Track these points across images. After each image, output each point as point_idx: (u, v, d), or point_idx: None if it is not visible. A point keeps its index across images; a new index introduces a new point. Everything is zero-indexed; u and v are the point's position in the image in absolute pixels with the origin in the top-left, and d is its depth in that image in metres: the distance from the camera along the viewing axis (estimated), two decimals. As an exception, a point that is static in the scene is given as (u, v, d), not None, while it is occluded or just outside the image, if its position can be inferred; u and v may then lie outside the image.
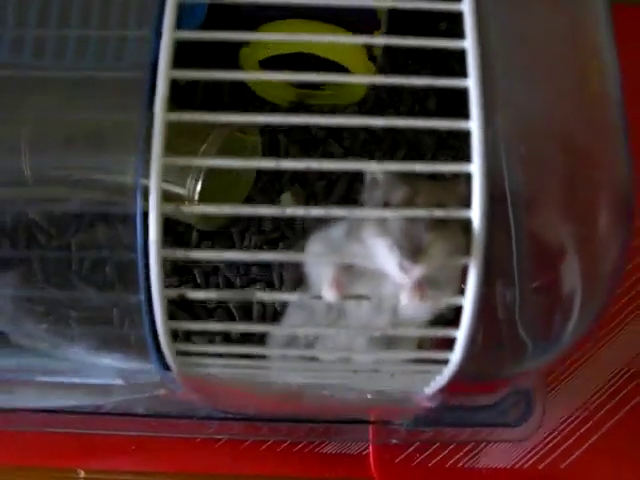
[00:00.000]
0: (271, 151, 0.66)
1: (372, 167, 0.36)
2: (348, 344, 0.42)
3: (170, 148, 0.38)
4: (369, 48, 0.63)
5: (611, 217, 0.41)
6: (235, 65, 0.64)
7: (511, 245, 0.39)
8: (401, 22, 0.58)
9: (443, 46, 0.36)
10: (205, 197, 0.59)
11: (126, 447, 0.65)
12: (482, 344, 0.38)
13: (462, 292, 0.36)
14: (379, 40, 0.59)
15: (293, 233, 0.64)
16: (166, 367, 0.40)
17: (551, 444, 0.66)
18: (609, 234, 0.40)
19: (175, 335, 0.37)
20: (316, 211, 0.35)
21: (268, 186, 0.66)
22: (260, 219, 0.65)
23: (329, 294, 0.38)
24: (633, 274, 0.70)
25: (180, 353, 0.38)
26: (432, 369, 0.40)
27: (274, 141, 0.66)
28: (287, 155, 0.67)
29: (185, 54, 0.37)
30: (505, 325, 0.41)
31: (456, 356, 0.38)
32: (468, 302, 0.35)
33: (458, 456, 0.65)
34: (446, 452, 0.65)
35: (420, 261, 0.36)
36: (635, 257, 0.70)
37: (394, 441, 0.57)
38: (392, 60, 0.66)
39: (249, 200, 0.66)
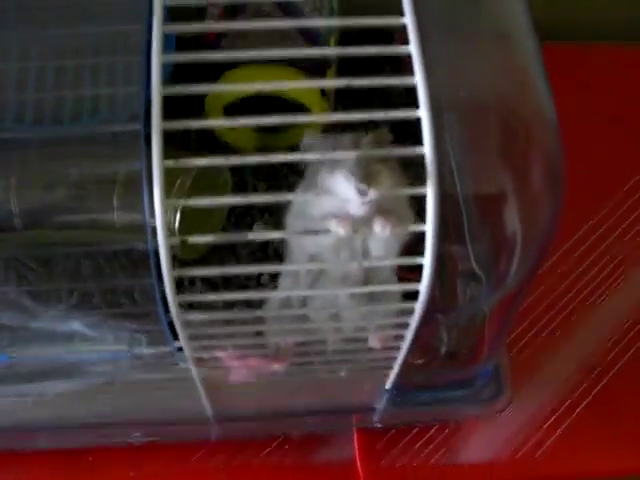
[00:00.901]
0: (240, 189, 0.73)
1: (326, 118, 0.43)
2: (332, 298, 0.47)
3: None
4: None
5: (542, 172, 0.48)
6: (201, 111, 0.71)
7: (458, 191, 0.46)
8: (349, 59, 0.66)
9: (395, 84, 0.42)
10: (182, 230, 0.65)
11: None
12: (443, 276, 0.43)
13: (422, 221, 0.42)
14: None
15: (267, 259, 0.70)
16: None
17: (524, 435, 0.70)
18: (541, 185, 0.47)
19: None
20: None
21: (240, 219, 0.72)
22: (235, 249, 0.70)
23: (340, 229, 0.42)
24: (585, 274, 0.76)
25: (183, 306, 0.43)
26: (405, 308, 0.45)
27: (243, 180, 0.73)
28: (255, 189, 0.74)
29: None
30: (460, 261, 0.47)
31: (424, 284, 0.43)
32: (429, 226, 0.41)
33: (439, 454, 0.69)
34: (428, 450, 0.69)
35: (374, 185, 0.42)
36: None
37: (377, 424, 0.61)
38: (344, 95, 0.74)
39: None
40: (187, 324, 0.45)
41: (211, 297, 0.44)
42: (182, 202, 0.42)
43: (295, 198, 0.45)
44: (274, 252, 0.70)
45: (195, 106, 0.70)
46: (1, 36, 0.53)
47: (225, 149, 0.75)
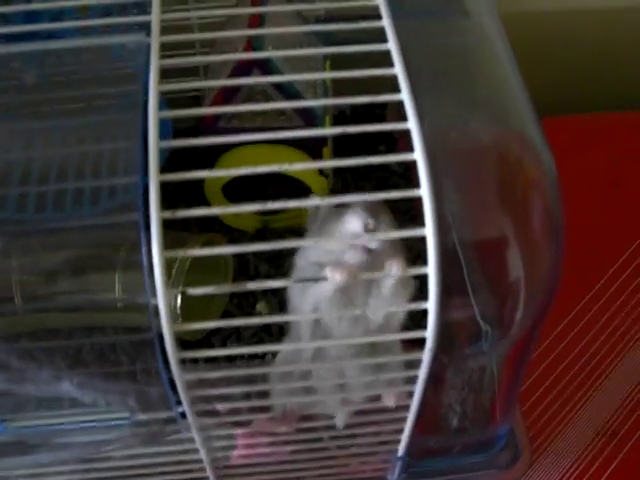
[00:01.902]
0: (242, 268, 0.73)
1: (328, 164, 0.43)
2: (338, 358, 0.46)
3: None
4: (320, 166, 0.72)
5: (542, 217, 0.47)
6: (200, 189, 0.72)
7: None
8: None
9: (388, 129, 0.43)
10: (185, 309, 0.64)
11: None
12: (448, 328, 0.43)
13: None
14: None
15: (270, 337, 0.69)
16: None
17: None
18: (541, 230, 0.47)
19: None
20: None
21: (243, 298, 0.71)
22: (238, 327, 0.69)
23: (336, 276, 0.42)
24: (596, 339, 0.75)
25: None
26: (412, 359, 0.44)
27: (244, 259, 0.73)
28: (257, 270, 0.74)
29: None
30: (465, 310, 0.46)
31: (430, 331, 0.42)
32: (432, 268, 0.41)
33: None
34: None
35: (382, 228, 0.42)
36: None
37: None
38: (341, 176, 0.75)
39: (226, 312, 0.71)
40: (189, 384, 0.44)
41: (213, 353, 0.43)
42: (182, 290, 0.42)
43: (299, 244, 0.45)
44: (278, 331, 0.69)
45: (194, 184, 0.71)
46: (6, 128, 0.54)
47: (226, 228, 0.75)
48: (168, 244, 0.67)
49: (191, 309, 0.65)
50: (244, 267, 0.74)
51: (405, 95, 0.43)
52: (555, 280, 0.47)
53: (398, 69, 0.44)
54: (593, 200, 0.84)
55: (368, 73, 0.44)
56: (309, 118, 0.69)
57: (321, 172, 0.72)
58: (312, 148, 0.70)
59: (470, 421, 0.56)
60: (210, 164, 0.69)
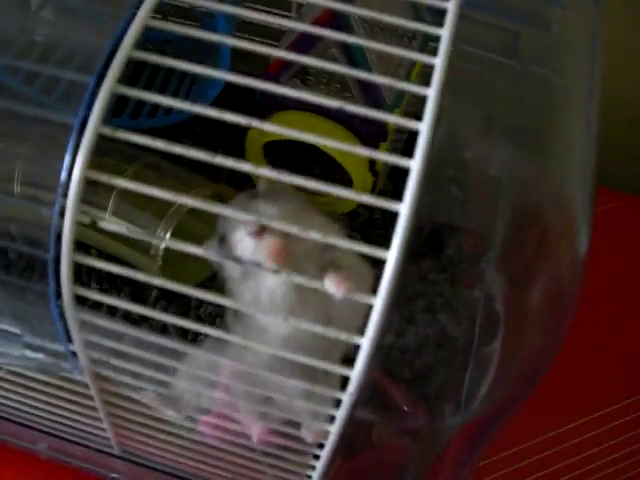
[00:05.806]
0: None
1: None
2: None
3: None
4: (372, 162, 0.64)
5: (548, 296, 0.39)
6: (241, 145, 0.66)
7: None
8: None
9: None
10: (167, 261, 0.57)
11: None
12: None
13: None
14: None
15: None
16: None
17: None
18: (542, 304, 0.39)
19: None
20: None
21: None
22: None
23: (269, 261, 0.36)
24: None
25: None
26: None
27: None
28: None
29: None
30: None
31: (357, 370, 0.35)
32: (379, 300, 0.33)
33: None
34: None
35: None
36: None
37: None
38: (394, 183, 0.68)
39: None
40: (83, 325, 0.38)
41: (111, 301, 0.37)
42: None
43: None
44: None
45: (239, 138, 0.65)
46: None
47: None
48: (175, 179, 0.61)
49: (174, 263, 0.59)
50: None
51: (433, 91, 0.35)
52: (541, 369, 0.38)
53: (439, 60, 0.36)
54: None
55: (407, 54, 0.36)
56: (376, 105, 0.62)
57: (372, 169, 0.65)
58: (368, 139, 0.63)
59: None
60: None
